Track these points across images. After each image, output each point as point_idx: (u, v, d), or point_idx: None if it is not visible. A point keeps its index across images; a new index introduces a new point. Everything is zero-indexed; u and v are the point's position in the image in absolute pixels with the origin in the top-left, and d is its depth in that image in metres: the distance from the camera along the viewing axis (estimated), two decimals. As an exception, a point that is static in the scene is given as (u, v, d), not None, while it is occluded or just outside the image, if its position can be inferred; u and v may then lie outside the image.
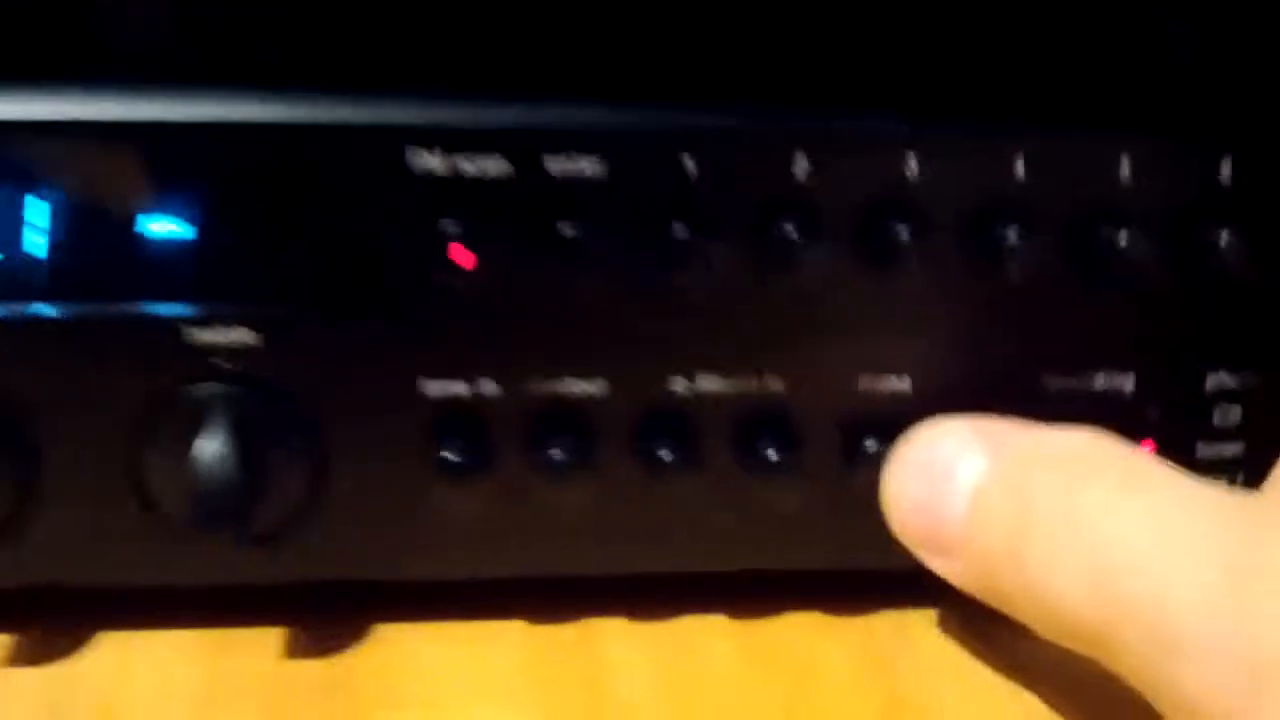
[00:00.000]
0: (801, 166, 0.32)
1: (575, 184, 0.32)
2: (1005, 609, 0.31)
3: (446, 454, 0.34)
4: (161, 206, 0.32)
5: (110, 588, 0.35)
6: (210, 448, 0.32)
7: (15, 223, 0.32)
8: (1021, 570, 0.29)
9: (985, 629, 0.35)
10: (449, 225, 0.32)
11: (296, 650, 0.35)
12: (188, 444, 0.32)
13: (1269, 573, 0.25)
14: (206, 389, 0.33)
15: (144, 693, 0.34)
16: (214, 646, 0.35)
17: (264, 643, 0.36)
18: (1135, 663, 0.27)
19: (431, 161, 0.31)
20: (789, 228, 0.32)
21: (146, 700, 0.34)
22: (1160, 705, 0.27)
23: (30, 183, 0.32)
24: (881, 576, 0.36)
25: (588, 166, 0.32)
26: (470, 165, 0.31)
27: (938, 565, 0.32)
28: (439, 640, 0.36)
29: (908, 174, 0.33)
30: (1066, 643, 0.29)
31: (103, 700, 0.33)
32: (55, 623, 0.35)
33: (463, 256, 0.32)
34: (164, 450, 0.33)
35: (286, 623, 0.36)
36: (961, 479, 0.31)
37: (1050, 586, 0.28)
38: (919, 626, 0.37)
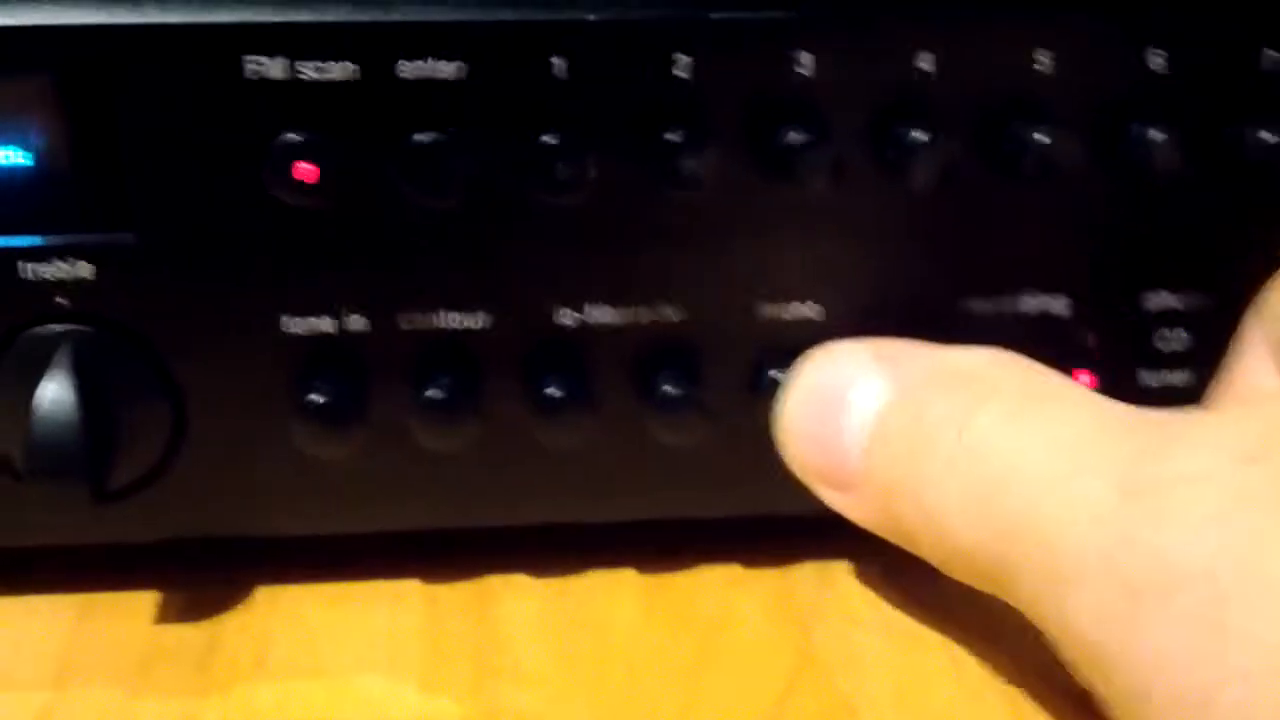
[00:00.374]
0: (684, 65, 0.29)
1: (432, 90, 0.28)
2: (909, 547, 0.28)
3: (314, 397, 0.31)
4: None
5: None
6: (48, 394, 0.29)
7: None
8: (919, 502, 0.26)
9: (912, 576, 0.32)
10: (294, 139, 0.28)
11: (165, 615, 0.33)
12: (30, 390, 0.29)
13: (1163, 488, 0.22)
14: (46, 330, 0.30)
15: (-2, 663, 0.31)
16: (74, 611, 0.33)
17: (130, 607, 0.33)
18: (1028, 595, 0.24)
19: (271, 68, 0.28)
20: (674, 135, 0.29)
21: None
22: (1051, 639, 0.24)
23: None
24: (803, 523, 0.33)
25: (445, 70, 0.28)
26: (314, 71, 0.28)
27: (836, 501, 0.29)
28: (321, 603, 0.33)
29: (802, 71, 0.29)
30: (971, 581, 0.26)
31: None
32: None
33: (311, 174, 0.28)
34: (5, 398, 0.30)
35: (154, 586, 0.33)
36: (858, 406, 0.28)
37: (946, 517, 0.25)
38: (842, 576, 0.34)
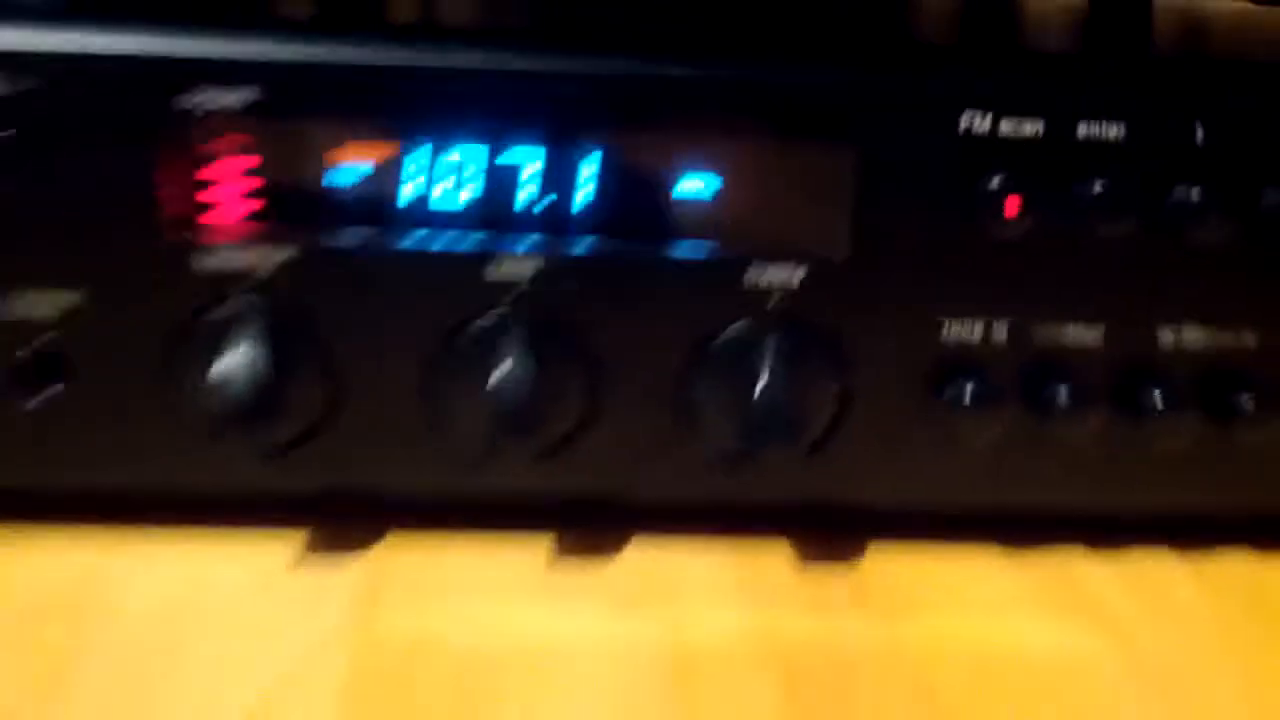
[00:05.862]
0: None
1: (1098, 147, 0.33)
2: None
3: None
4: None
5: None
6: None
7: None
8: None
9: None
10: (995, 182, 0.33)
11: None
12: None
13: None
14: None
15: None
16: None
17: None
18: None
19: (979, 123, 0.32)
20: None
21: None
22: None
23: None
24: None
25: (1110, 131, 0.33)
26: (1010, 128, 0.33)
27: None
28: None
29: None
30: None
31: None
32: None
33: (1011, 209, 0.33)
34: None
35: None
36: None
37: None
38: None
